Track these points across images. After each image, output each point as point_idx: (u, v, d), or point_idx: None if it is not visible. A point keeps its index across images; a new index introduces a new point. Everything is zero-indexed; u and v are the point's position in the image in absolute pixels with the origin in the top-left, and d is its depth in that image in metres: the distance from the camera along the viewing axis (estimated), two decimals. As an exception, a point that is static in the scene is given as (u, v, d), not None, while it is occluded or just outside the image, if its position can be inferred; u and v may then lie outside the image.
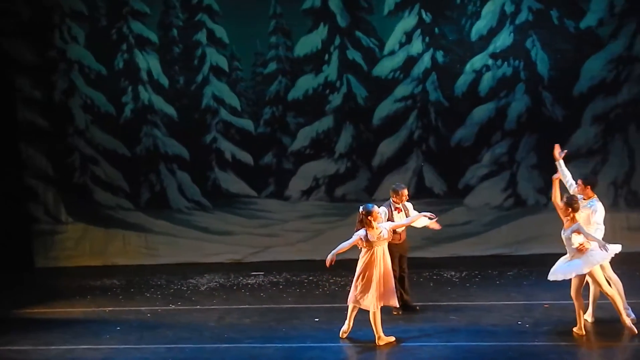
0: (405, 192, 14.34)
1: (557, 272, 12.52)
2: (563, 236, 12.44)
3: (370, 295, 12.55)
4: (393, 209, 14.20)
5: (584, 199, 12.87)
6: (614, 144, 18.98)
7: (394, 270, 13.09)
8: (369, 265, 12.55)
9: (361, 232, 12.48)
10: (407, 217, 14.12)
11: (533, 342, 12.49)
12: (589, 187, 12.96)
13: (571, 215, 12.37)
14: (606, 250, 12.15)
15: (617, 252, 12.56)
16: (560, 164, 13.16)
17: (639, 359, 11.90)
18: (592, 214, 12.76)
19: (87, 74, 20.32)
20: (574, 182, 13.05)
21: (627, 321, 12.46)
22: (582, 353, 12.18)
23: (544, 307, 14.21)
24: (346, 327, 13.04)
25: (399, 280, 14.07)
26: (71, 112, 20.36)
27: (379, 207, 13.21)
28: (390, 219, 13.91)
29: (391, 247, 13.12)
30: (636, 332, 12.37)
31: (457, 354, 12.26)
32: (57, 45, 20.31)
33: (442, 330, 13.37)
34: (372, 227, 12.48)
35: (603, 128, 18.97)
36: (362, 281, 12.59)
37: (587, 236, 12.23)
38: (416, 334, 13.22)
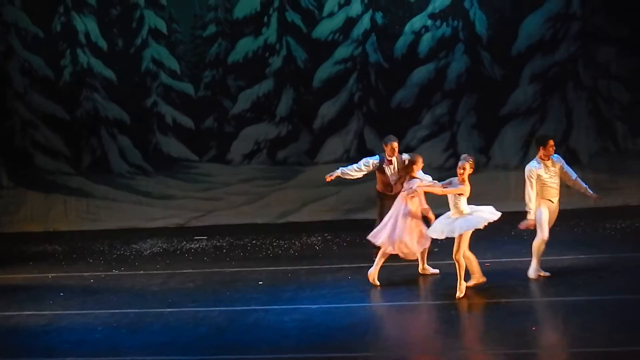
0: (391, 145, 14.41)
1: (432, 231, 12.81)
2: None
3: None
4: (386, 161, 14.45)
5: (546, 160, 12.92)
6: (552, 103, 19.17)
7: None
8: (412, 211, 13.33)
9: (415, 182, 13.32)
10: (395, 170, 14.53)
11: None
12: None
13: (462, 177, 12.45)
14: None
15: (494, 220, 12.55)
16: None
17: (579, 311, 12.12)
18: (564, 165, 12.90)
19: (24, 37, 20.09)
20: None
21: (459, 292, 12.52)
22: (529, 306, 12.39)
23: (485, 266, 14.37)
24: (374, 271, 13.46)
25: None
26: (9, 76, 20.12)
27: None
28: (380, 170, 14.48)
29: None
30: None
31: (399, 313, 12.51)
32: (-8, 7, 20.06)
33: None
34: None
35: (541, 87, 19.15)
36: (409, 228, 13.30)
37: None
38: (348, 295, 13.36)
